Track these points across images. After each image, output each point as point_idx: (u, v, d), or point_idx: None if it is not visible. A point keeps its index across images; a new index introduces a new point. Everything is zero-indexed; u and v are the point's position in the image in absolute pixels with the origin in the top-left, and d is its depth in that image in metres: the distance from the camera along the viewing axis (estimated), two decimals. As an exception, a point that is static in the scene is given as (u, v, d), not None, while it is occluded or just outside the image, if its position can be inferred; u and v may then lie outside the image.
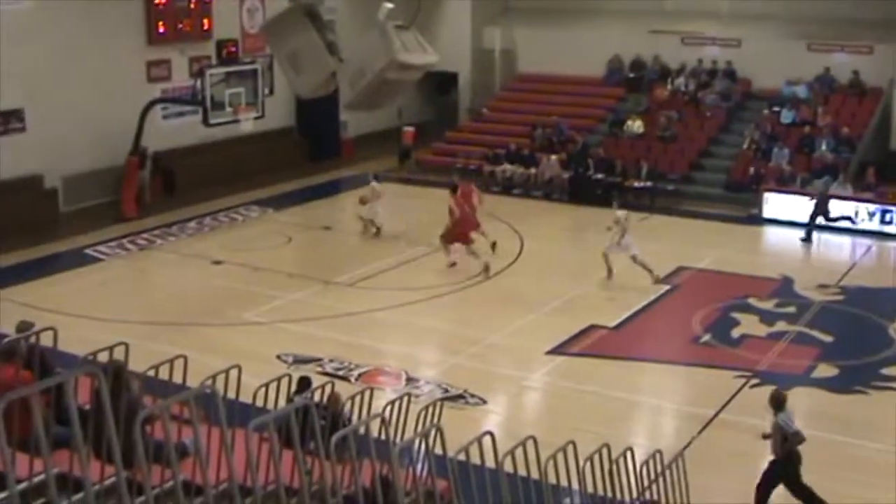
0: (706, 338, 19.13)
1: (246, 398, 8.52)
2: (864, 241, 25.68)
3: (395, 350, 18.81)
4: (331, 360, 17.66)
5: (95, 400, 6.72)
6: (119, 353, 8.04)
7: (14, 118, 25.78)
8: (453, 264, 22.71)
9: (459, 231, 22.71)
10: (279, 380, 8.41)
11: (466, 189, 23.98)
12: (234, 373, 8.25)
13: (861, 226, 26.17)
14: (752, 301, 21.04)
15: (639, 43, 34.81)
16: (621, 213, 22.24)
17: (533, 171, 30.66)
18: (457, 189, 23.75)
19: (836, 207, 25.97)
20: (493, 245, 23.68)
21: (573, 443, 8.05)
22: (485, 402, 16.24)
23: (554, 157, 30.55)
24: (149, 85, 29.01)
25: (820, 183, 26.99)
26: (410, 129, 34.48)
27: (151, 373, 7.90)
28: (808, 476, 14.01)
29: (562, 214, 28.22)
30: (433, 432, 6.93)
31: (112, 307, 20.25)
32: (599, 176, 29.66)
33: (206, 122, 26.81)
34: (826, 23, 32.05)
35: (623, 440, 10.70)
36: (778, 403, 12.80)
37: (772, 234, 26.99)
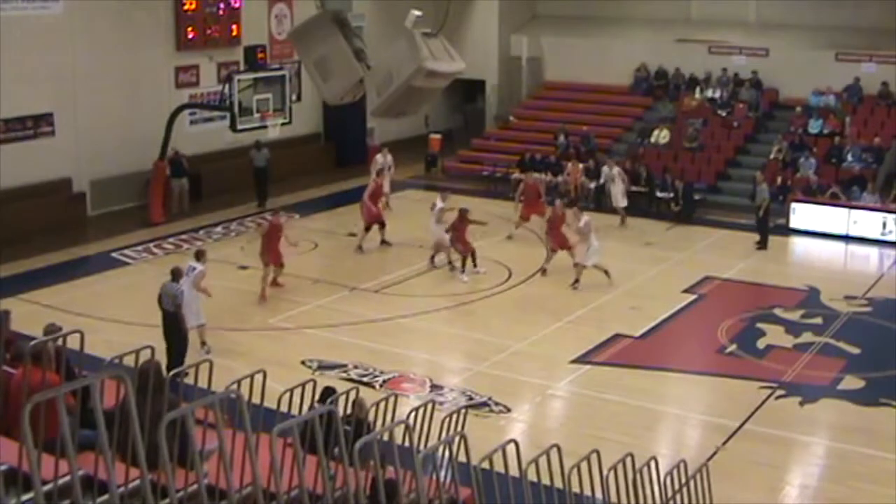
0: (732, 348, 19.06)
1: (270, 403, 8.53)
2: (892, 253, 25.51)
3: (419, 357, 18.82)
4: (355, 367, 17.69)
5: (123, 402, 6.75)
6: (145, 357, 8.08)
7: (44, 122, 26.02)
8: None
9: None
10: (304, 385, 8.42)
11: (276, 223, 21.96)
12: (259, 378, 8.27)
13: (889, 237, 26.04)
14: (778, 312, 20.95)
15: (666, 52, 34.76)
16: None
17: (560, 178, 30.62)
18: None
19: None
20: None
21: (597, 452, 8.03)
22: (509, 410, 16.23)
23: (581, 165, 30.50)
24: (177, 90, 29.21)
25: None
26: (437, 136, 34.53)
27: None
28: (833, 487, 13.98)
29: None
30: (457, 440, 6.93)
31: (139, 311, 20.32)
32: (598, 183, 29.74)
33: (233, 127, 26.91)
34: (855, 32, 31.91)
35: (647, 450, 10.66)
36: (174, 275, 17.16)
37: (798, 244, 26.85)
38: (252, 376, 8.26)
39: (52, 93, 25.92)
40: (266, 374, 8.33)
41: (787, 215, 27.43)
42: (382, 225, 25.32)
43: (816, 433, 15.95)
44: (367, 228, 25.05)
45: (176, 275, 17.15)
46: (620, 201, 27.79)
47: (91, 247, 25.12)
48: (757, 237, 26.02)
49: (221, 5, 29.87)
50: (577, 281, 22.08)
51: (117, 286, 22.39)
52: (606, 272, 22.18)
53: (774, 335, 19.66)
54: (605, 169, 28.70)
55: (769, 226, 26.09)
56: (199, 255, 18.64)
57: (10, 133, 25.22)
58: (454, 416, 8.89)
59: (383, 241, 25.22)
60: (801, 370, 17.94)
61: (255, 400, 8.29)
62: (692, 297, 21.93)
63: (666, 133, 32.22)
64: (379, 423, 8.99)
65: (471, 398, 16.41)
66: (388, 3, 30.35)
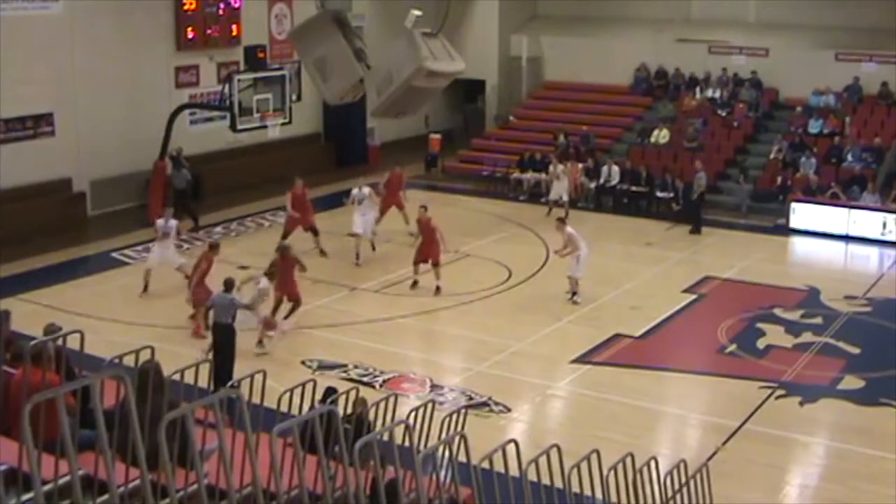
0: (732, 348, 19.06)
1: (270, 403, 8.54)
2: (892, 253, 25.52)
3: (419, 357, 18.83)
4: (355, 367, 17.68)
5: (122, 402, 6.75)
6: (145, 357, 8.08)
7: (44, 122, 26.01)
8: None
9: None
10: (304, 385, 8.42)
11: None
12: (259, 377, 8.28)
13: (889, 237, 26.05)
14: (778, 312, 20.95)
15: (666, 52, 34.76)
16: None
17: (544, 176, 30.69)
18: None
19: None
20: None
21: (597, 452, 8.03)
22: (509, 410, 16.23)
23: (580, 165, 30.50)
24: (177, 90, 29.21)
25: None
26: (437, 136, 34.53)
27: (177, 377, 7.93)
28: (833, 487, 13.98)
29: (586, 223, 28.14)
30: (457, 439, 6.93)
31: (139, 311, 20.38)
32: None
33: (233, 127, 26.91)
34: (855, 32, 31.92)
35: (647, 450, 10.66)
36: (227, 286, 16.79)
37: (798, 244, 26.85)
38: (252, 376, 8.27)
39: (52, 93, 25.91)
40: (266, 374, 8.34)
41: (787, 215, 27.44)
42: (315, 232, 24.51)
43: (816, 433, 15.95)
44: (315, 232, 24.47)
45: (228, 286, 16.95)
46: (563, 196, 28.42)
47: (91, 247, 25.10)
48: (690, 226, 27.01)
49: (221, 5, 29.85)
50: (574, 294, 21.37)
51: (117, 286, 22.37)
52: (576, 291, 21.45)
53: (774, 335, 19.66)
54: (550, 168, 29.58)
55: (700, 212, 27.09)
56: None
57: (10, 133, 25.20)
58: (454, 416, 8.90)
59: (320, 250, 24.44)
60: (801, 370, 17.94)
61: (255, 400, 8.29)
62: (692, 297, 21.93)
63: (666, 133, 32.22)
64: (379, 423, 8.99)
65: (471, 398, 16.40)
66: (388, 3, 30.39)
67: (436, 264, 22.02)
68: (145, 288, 21.42)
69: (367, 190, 24.58)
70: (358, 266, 23.52)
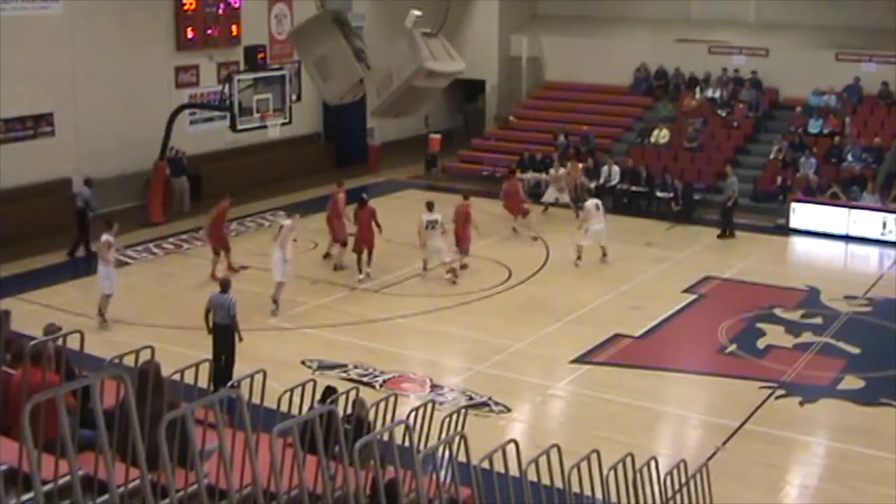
0: (732, 348, 19.06)
1: (270, 403, 8.54)
2: (892, 253, 25.52)
3: (419, 357, 18.82)
4: (355, 367, 17.69)
5: (122, 402, 6.75)
6: (145, 357, 8.07)
7: (43, 122, 26.02)
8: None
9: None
10: (304, 385, 8.41)
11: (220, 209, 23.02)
12: (259, 378, 8.27)
13: (889, 237, 26.05)
14: (778, 312, 20.95)
15: (666, 52, 34.77)
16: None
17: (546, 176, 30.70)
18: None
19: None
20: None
21: (597, 452, 8.03)
22: (509, 410, 16.23)
23: (580, 164, 30.49)
24: (177, 90, 29.21)
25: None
26: (437, 136, 34.51)
27: (177, 376, 7.93)
28: (833, 487, 13.98)
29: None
30: (457, 439, 6.92)
31: (138, 311, 20.37)
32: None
33: (233, 127, 26.91)
34: (855, 32, 31.92)
35: (647, 450, 10.65)
36: (223, 286, 16.77)
37: (798, 244, 26.85)
38: (252, 376, 8.27)
39: (52, 93, 25.92)
40: (266, 374, 8.34)
41: (787, 215, 27.43)
42: (344, 244, 23.71)
43: (816, 433, 15.95)
44: (344, 244, 23.65)
45: (225, 286, 16.78)
46: (563, 198, 28.77)
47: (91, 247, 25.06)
48: (719, 230, 26.93)
49: (221, 5, 29.88)
50: (578, 258, 23.73)
51: (117, 286, 22.31)
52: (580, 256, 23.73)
53: (774, 335, 19.66)
54: (551, 171, 29.79)
55: (733, 218, 26.96)
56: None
57: (10, 133, 25.22)
58: (454, 416, 8.89)
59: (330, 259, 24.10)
60: (801, 370, 17.94)
61: (255, 400, 8.29)
62: (692, 297, 21.93)
63: (666, 133, 32.21)
64: (379, 423, 8.98)
65: (471, 398, 16.41)
66: (388, 3, 30.35)
67: (465, 250, 23.29)
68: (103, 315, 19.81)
69: (288, 222, 21.54)
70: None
